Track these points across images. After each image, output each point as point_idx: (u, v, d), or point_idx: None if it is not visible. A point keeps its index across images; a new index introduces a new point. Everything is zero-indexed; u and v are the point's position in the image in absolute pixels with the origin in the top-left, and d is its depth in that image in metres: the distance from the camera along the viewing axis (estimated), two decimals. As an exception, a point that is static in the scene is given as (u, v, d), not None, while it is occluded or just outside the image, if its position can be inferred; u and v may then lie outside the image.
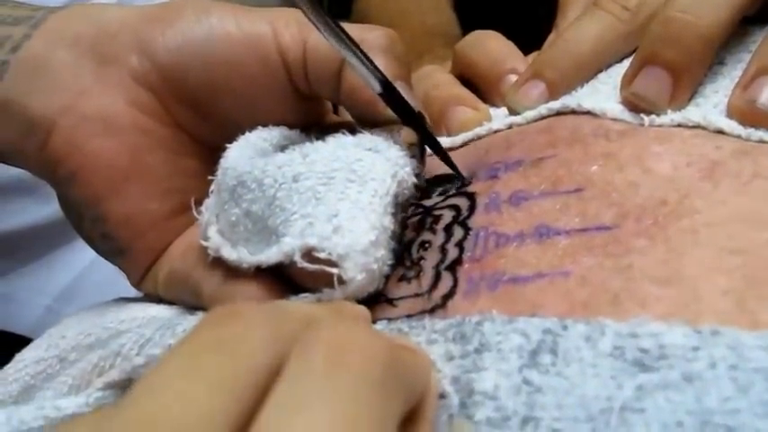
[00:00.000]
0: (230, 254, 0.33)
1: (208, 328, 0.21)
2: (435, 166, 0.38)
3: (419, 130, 0.36)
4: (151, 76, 0.37)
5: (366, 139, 0.34)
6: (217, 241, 0.34)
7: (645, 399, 0.23)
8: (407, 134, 0.36)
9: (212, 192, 0.35)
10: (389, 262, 0.31)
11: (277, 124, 0.37)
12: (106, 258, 0.40)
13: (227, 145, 0.35)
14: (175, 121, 0.38)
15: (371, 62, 0.33)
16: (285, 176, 0.32)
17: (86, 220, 0.38)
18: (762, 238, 0.27)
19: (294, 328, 0.22)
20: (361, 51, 0.33)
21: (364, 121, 0.37)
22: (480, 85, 0.44)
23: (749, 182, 0.29)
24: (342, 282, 0.29)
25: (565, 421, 0.23)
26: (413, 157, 0.34)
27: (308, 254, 0.29)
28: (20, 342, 0.39)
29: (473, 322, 0.28)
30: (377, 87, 0.33)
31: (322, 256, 0.29)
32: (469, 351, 0.27)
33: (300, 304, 0.28)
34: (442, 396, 0.26)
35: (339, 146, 0.33)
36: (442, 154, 0.37)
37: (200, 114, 0.37)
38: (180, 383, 0.19)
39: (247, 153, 0.34)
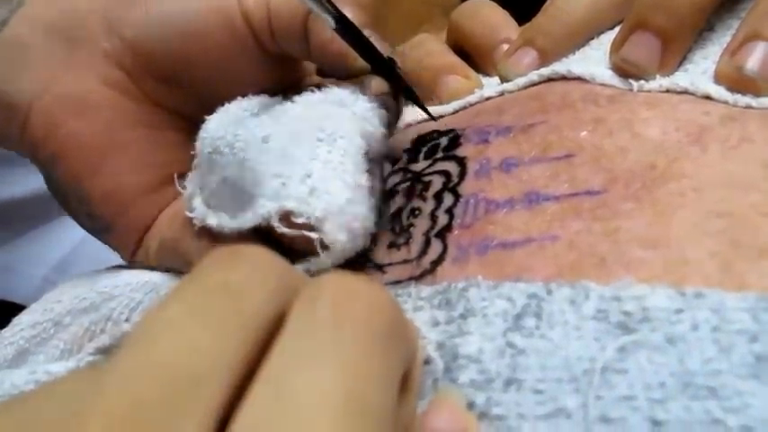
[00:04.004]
0: (212, 221, 0.33)
1: (211, 270, 0.20)
2: (423, 127, 0.38)
3: (389, 76, 0.35)
4: (122, 55, 0.37)
5: (332, 93, 0.33)
6: (202, 211, 0.34)
7: (627, 359, 0.23)
8: (379, 84, 0.35)
9: (195, 164, 0.35)
10: (373, 219, 0.31)
11: (254, 91, 0.36)
12: (96, 236, 0.40)
13: (207, 117, 0.35)
14: (150, 97, 0.38)
15: (329, 2, 0.33)
16: (255, 138, 0.32)
17: (71, 200, 0.38)
18: (748, 201, 0.27)
19: (297, 276, 0.22)
20: None
21: (339, 76, 0.37)
22: (474, 55, 0.44)
23: (736, 146, 0.29)
24: (325, 246, 0.29)
25: (548, 382, 0.24)
26: (385, 107, 0.34)
27: (287, 218, 0.29)
28: (18, 310, 0.39)
29: (458, 288, 0.28)
30: (331, 23, 0.33)
31: (300, 221, 0.29)
32: (454, 317, 0.27)
33: None
34: (427, 362, 0.26)
35: (307, 104, 0.33)
36: (415, 100, 0.37)
37: (174, 87, 0.37)
38: (184, 327, 0.18)
39: (225, 122, 0.34)
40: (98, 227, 0.39)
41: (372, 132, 0.33)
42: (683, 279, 0.25)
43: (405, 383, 0.24)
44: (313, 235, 0.29)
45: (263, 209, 0.30)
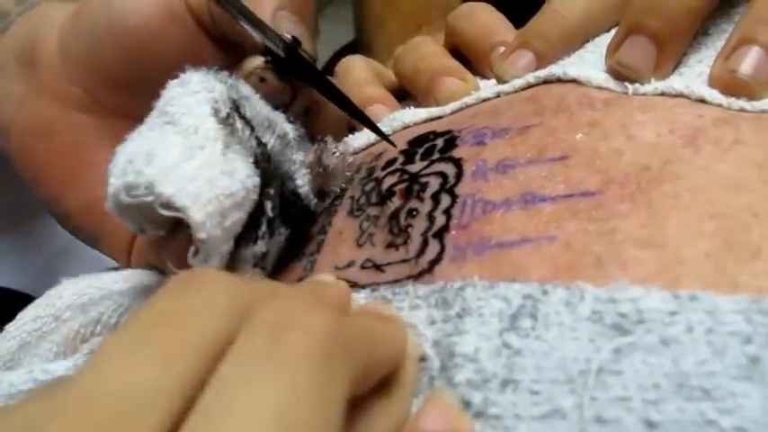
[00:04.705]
0: None
1: (165, 297, 0.21)
2: (419, 128, 0.38)
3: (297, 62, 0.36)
4: (73, 71, 0.37)
5: (177, 78, 0.34)
6: None
7: (622, 361, 0.23)
8: (251, 61, 0.36)
9: None
10: (245, 172, 0.32)
11: None
12: (91, 247, 0.41)
13: None
14: (111, 109, 0.38)
15: None
16: (130, 137, 0.32)
17: (59, 216, 0.39)
18: (741, 202, 0.27)
19: (255, 295, 0.22)
20: None
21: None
22: (471, 57, 0.44)
23: (729, 148, 0.29)
24: (170, 206, 0.29)
25: (544, 383, 0.24)
26: (260, 78, 0.35)
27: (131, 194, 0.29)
28: (20, 298, 0.40)
29: (455, 288, 0.28)
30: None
31: (139, 191, 0.29)
32: (451, 316, 0.27)
33: (269, 281, 0.28)
34: (423, 359, 0.26)
35: (163, 94, 0.33)
36: (323, 83, 0.37)
37: (128, 91, 0.38)
38: (125, 357, 0.19)
39: None
40: (87, 237, 0.40)
41: (212, 96, 0.33)
42: (678, 279, 0.25)
43: (391, 379, 0.24)
44: (152, 199, 0.29)
45: (113, 187, 0.30)
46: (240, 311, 0.21)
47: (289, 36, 0.36)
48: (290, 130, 0.36)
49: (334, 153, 0.37)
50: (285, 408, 0.18)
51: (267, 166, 0.34)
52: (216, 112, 0.32)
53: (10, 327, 0.37)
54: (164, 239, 0.33)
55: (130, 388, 0.18)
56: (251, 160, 0.33)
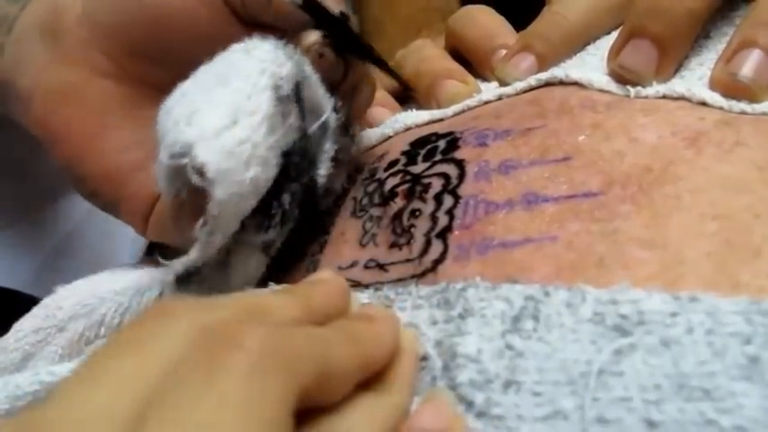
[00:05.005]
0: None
1: (128, 328, 0.23)
2: (421, 130, 0.38)
3: (338, 31, 0.36)
4: (98, 38, 0.38)
5: (242, 43, 0.33)
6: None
7: (623, 362, 0.23)
8: (310, 36, 0.36)
9: None
10: (275, 151, 0.31)
11: None
12: (108, 213, 0.41)
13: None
14: (133, 77, 0.39)
15: None
16: (175, 96, 0.32)
17: (77, 182, 0.39)
18: (742, 203, 0.27)
19: (214, 322, 0.23)
20: None
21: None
22: (472, 60, 0.44)
23: (731, 150, 0.29)
24: (202, 173, 0.28)
25: (546, 384, 0.24)
26: (319, 54, 0.35)
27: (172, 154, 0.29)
28: (14, 298, 0.40)
29: (457, 288, 0.28)
30: None
31: (176, 149, 0.28)
32: (453, 316, 0.27)
33: (247, 297, 0.27)
34: (425, 359, 0.27)
35: (219, 57, 0.33)
36: (373, 57, 0.37)
37: (152, 62, 0.38)
38: (83, 388, 0.20)
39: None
40: (104, 203, 0.40)
41: (278, 72, 0.32)
42: (680, 279, 0.26)
43: (382, 381, 0.25)
44: (185, 161, 0.28)
45: (160, 153, 0.29)
46: (195, 334, 0.22)
47: (337, 11, 0.35)
48: (333, 119, 0.36)
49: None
50: (216, 426, 0.19)
51: (300, 161, 0.34)
52: (277, 89, 0.32)
53: (9, 338, 0.37)
54: (183, 204, 0.33)
55: (88, 415, 0.20)
56: (284, 150, 0.32)
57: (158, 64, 0.38)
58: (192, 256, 0.32)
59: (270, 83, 0.31)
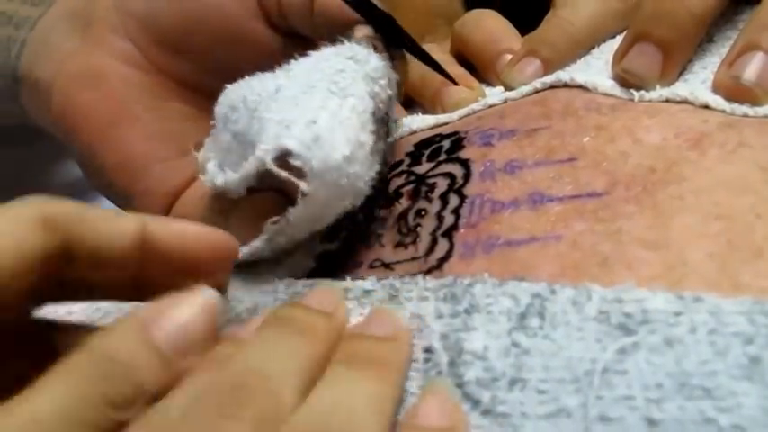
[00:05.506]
0: (220, 179, 0.32)
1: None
2: (426, 132, 0.38)
3: (391, 32, 0.36)
4: (128, 26, 0.38)
5: (345, 48, 0.33)
6: (212, 171, 0.33)
7: (627, 360, 0.24)
8: (364, 31, 0.36)
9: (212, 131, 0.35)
10: (370, 180, 0.31)
11: (261, 65, 0.35)
12: (123, 209, 0.40)
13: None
14: (159, 68, 0.39)
15: None
16: (267, 89, 0.31)
17: (91, 172, 0.39)
18: (745, 203, 0.27)
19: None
20: None
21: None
22: (477, 64, 0.44)
23: (734, 151, 0.29)
24: (306, 196, 0.28)
25: (551, 382, 0.24)
26: (391, 62, 0.34)
27: (283, 159, 0.28)
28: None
29: (464, 283, 0.28)
30: None
31: (297, 163, 0.28)
32: (459, 311, 0.27)
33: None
34: (429, 351, 0.27)
35: (321, 58, 0.33)
36: (421, 54, 0.37)
37: (182, 57, 0.38)
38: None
39: (243, 83, 0.34)
40: (119, 195, 0.39)
41: (380, 93, 0.33)
42: (683, 279, 0.26)
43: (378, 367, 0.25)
44: (303, 185, 0.28)
45: (262, 151, 0.29)
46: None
47: (385, 9, 0.36)
48: (393, 125, 0.36)
49: None
50: None
51: (382, 187, 0.33)
52: (375, 111, 0.32)
53: None
54: (237, 202, 0.33)
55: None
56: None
57: (184, 58, 0.38)
58: (257, 244, 0.32)
59: (371, 105, 0.32)
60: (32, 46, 0.39)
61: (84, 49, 0.39)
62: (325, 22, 0.37)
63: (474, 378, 0.25)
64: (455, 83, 0.38)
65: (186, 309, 0.24)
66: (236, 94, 0.32)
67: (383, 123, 0.34)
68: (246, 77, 0.34)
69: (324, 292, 0.29)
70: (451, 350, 0.26)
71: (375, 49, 0.34)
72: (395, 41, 0.37)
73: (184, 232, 0.27)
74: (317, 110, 0.29)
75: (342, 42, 0.34)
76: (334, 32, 0.37)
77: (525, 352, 0.25)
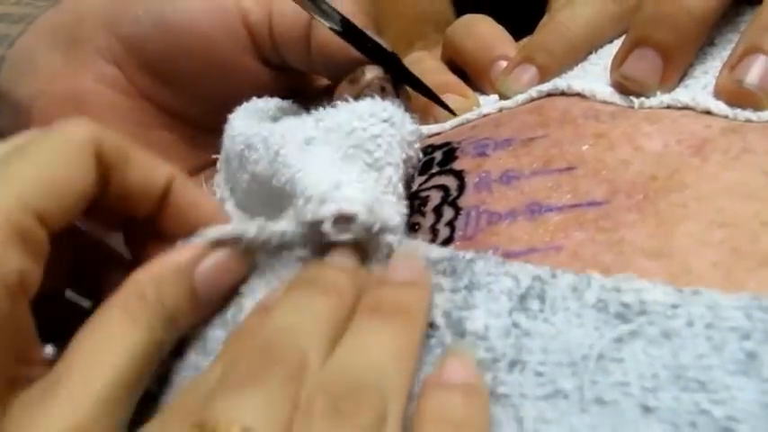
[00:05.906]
0: (251, 230, 0.31)
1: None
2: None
3: (395, 69, 0.37)
4: (115, 50, 0.39)
5: (379, 107, 0.33)
6: (235, 214, 0.34)
7: (624, 349, 0.25)
8: (373, 71, 0.37)
9: (220, 168, 0.36)
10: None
11: (249, 97, 0.37)
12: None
13: (229, 116, 0.35)
14: (143, 94, 0.40)
15: (330, 6, 0.35)
16: (295, 137, 0.32)
17: None
18: (750, 210, 0.29)
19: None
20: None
21: (339, 78, 0.38)
22: (470, 72, 0.45)
23: (737, 157, 0.31)
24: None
25: (549, 365, 0.26)
26: (381, 88, 0.36)
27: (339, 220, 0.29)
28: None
29: (466, 259, 0.29)
30: (336, 26, 0.35)
31: (357, 227, 0.29)
32: (460, 287, 0.28)
33: None
34: (433, 326, 0.28)
35: (354, 114, 0.33)
36: (425, 90, 0.38)
37: (164, 82, 0.39)
38: None
39: (252, 120, 0.35)
40: None
41: (413, 158, 0.34)
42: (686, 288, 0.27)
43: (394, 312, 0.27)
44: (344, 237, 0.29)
45: (311, 211, 0.29)
46: None
47: (388, 46, 0.37)
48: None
49: None
50: None
51: None
52: (407, 165, 0.34)
53: None
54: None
55: None
56: None
57: (169, 86, 0.39)
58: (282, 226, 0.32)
59: (404, 170, 0.33)
60: (12, 63, 0.40)
61: (68, 72, 0.39)
62: (323, 60, 0.38)
63: (477, 360, 0.26)
64: (455, 115, 0.38)
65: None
66: (251, 131, 0.33)
67: (406, 184, 0.35)
68: (243, 105, 0.35)
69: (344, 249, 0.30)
70: (454, 329, 0.28)
71: (384, 90, 0.36)
72: (399, 78, 0.38)
73: (198, 201, 0.30)
74: (359, 176, 0.31)
75: (368, 95, 0.35)
76: (333, 70, 0.38)
77: (525, 334, 0.27)
